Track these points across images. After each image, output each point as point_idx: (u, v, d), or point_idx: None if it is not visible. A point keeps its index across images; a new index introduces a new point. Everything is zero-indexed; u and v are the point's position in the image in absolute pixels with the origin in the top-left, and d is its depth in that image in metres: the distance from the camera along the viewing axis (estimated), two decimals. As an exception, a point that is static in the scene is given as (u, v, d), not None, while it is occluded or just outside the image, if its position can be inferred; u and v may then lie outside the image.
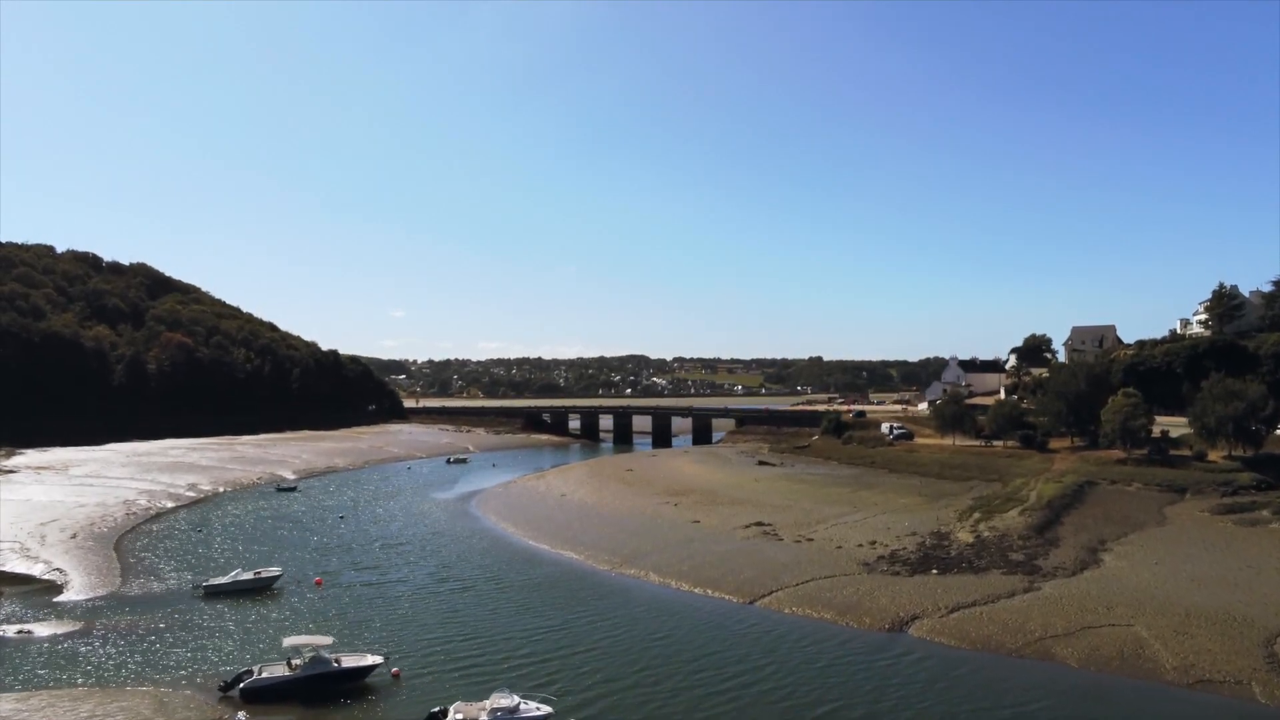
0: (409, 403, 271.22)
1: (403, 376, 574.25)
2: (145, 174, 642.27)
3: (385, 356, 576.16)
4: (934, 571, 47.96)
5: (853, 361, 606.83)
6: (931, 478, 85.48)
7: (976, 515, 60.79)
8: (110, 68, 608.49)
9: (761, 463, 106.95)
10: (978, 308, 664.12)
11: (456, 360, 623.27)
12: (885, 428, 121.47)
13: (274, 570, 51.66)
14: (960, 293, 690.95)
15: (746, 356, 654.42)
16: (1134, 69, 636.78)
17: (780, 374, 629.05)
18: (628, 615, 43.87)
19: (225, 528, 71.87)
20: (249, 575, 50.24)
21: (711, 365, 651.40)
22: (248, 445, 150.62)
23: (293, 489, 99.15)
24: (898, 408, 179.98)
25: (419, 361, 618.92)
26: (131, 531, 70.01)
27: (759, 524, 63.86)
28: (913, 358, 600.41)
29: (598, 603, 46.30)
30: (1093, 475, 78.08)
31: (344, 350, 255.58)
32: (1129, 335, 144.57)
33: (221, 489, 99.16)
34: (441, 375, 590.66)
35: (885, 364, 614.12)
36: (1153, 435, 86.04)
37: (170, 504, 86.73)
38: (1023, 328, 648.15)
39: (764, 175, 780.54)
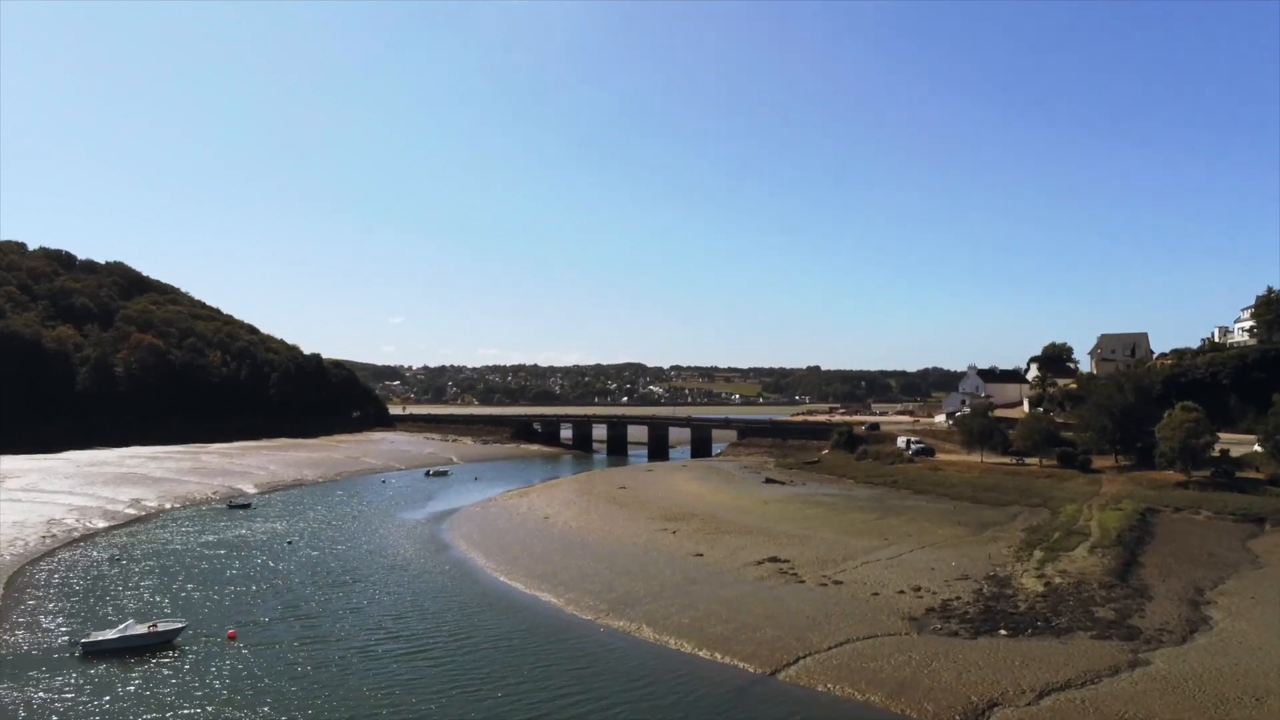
0: (395, 409, 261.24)
1: (397, 383, 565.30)
2: (145, 179, 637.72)
3: (382, 362, 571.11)
4: (1003, 632, 37.94)
5: (851, 371, 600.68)
6: (965, 502, 75.49)
7: (1038, 554, 50.68)
8: (112, 72, 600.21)
9: (769, 480, 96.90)
10: (976, 317, 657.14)
11: (452, 366, 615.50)
12: (902, 442, 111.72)
13: (175, 623, 41.49)
14: (959, 302, 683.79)
15: (744, 365, 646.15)
16: (1141, 76, 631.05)
17: (778, 383, 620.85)
18: (615, 691, 33.86)
19: (149, 556, 61.58)
20: (141, 629, 40.09)
21: (709, 374, 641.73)
22: (214, 455, 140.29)
23: (247, 505, 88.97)
24: (905, 418, 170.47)
25: (414, 368, 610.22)
26: (41, 560, 59.85)
27: (774, 560, 53.83)
28: (911, 368, 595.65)
29: (577, 672, 36.23)
30: (1152, 501, 68.40)
31: (342, 356, 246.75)
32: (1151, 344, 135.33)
33: (168, 505, 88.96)
34: (436, 381, 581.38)
35: (884, 374, 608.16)
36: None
37: (102, 524, 76.52)
38: (1025, 336, 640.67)
39: (762, 183, 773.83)
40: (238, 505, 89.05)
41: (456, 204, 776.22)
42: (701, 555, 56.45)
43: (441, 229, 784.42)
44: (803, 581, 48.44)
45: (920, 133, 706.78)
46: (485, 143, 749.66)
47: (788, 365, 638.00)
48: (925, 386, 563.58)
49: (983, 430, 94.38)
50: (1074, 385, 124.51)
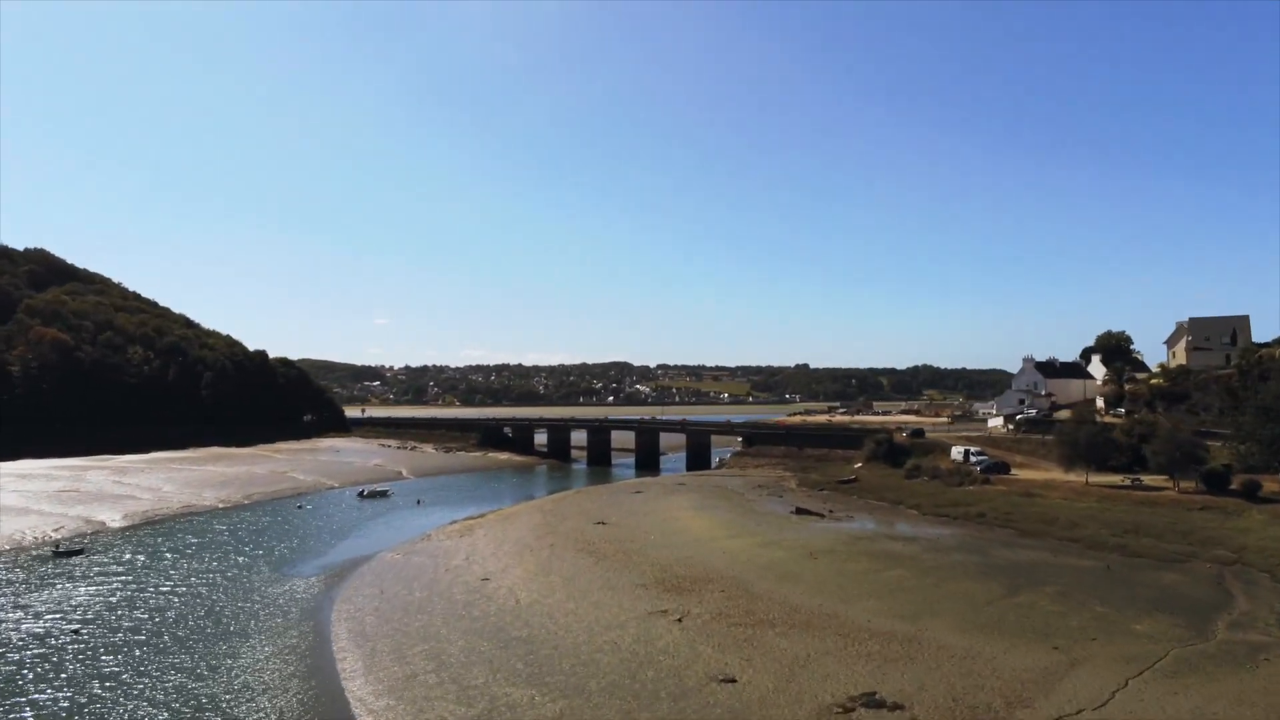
0: (354, 412, 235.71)
1: (377, 383, 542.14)
2: (141, 183, 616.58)
3: (363, 363, 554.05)
4: None
5: (841, 369, 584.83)
6: (1113, 553, 50.73)
7: None
8: (112, 74, 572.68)
9: (800, 511, 71.67)
10: (967, 316, 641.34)
11: (434, 367, 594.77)
12: (957, 453, 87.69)
13: None
14: (948, 301, 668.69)
15: (732, 364, 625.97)
16: (1138, 67, 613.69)
17: (767, 382, 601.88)
18: None
19: None
20: None
21: (696, 373, 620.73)
22: (105, 471, 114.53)
23: (79, 552, 64.02)
24: (911, 418, 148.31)
25: (394, 368, 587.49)
26: None
27: (874, 701, 29.35)
28: (901, 365, 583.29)
29: None
30: None
31: (328, 357, 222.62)
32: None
33: (-29, 553, 63.62)
34: (418, 382, 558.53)
35: (874, 371, 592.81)
36: None
37: None
38: (1023, 334, 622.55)
39: (750, 182, 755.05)
40: (68, 552, 63.94)
41: (444, 207, 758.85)
42: (734, 681, 31.89)
43: (427, 231, 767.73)
44: (953, 772, 23.93)
45: (912, 133, 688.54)
46: (475, 144, 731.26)
47: (776, 363, 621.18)
48: (916, 385, 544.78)
49: (1092, 442, 69.96)
50: (1160, 381, 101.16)
